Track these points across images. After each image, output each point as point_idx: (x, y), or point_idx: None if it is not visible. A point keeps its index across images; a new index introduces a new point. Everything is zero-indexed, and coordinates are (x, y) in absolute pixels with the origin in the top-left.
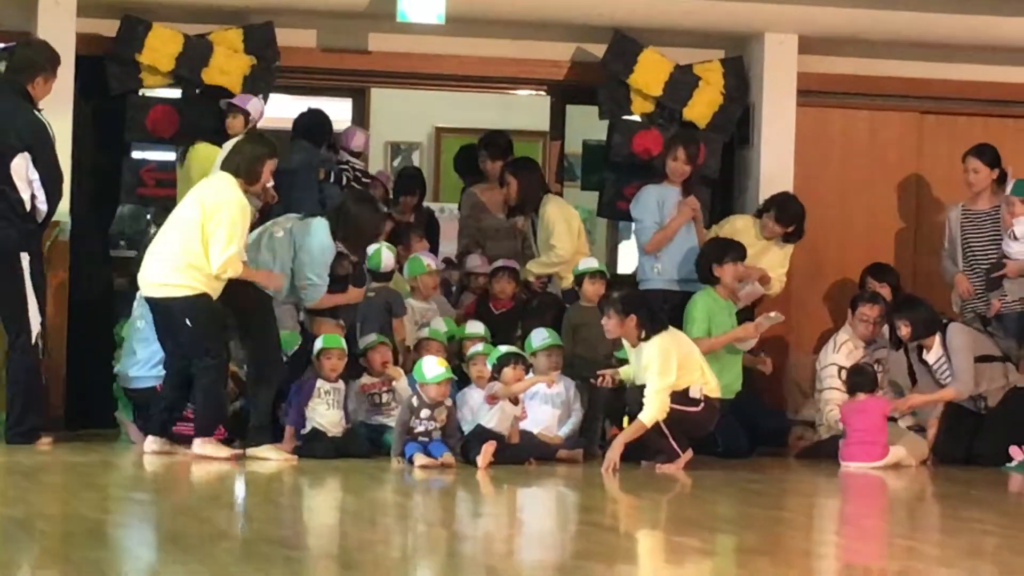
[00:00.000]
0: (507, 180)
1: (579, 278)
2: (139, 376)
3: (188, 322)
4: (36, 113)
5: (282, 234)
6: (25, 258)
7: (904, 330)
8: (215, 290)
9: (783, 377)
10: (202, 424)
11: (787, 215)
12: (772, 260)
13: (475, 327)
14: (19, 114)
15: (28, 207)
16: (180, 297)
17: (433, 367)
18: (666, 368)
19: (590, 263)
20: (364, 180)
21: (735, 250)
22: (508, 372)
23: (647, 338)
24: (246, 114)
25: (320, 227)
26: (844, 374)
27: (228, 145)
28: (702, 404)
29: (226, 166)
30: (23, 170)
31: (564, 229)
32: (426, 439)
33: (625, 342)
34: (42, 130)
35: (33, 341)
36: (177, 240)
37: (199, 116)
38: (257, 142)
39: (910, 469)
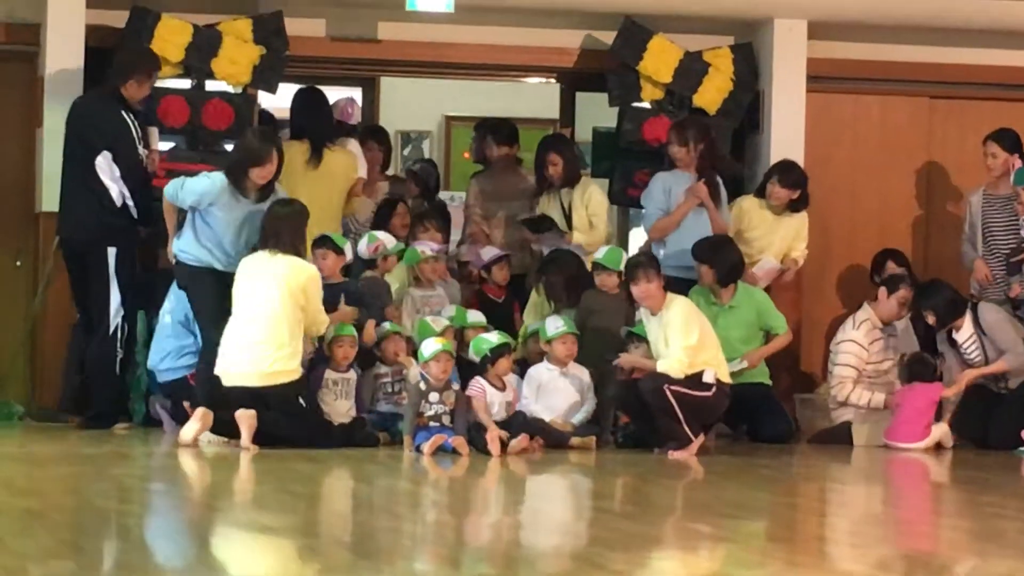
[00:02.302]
0: (551, 160)
1: (595, 266)
2: (170, 368)
3: (302, 400)
4: (122, 113)
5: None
6: (111, 252)
7: (931, 319)
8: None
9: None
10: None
11: (790, 178)
12: (787, 232)
13: (475, 316)
14: (104, 114)
15: (119, 203)
16: (294, 380)
17: (430, 344)
18: (688, 328)
19: (608, 256)
20: None
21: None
22: (503, 363)
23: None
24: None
25: None
26: (904, 359)
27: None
28: (714, 389)
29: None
30: (107, 167)
31: (606, 214)
32: (436, 423)
33: (643, 314)
34: (123, 130)
35: (111, 332)
36: (283, 321)
37: (315, 119)
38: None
39: (933, 451)
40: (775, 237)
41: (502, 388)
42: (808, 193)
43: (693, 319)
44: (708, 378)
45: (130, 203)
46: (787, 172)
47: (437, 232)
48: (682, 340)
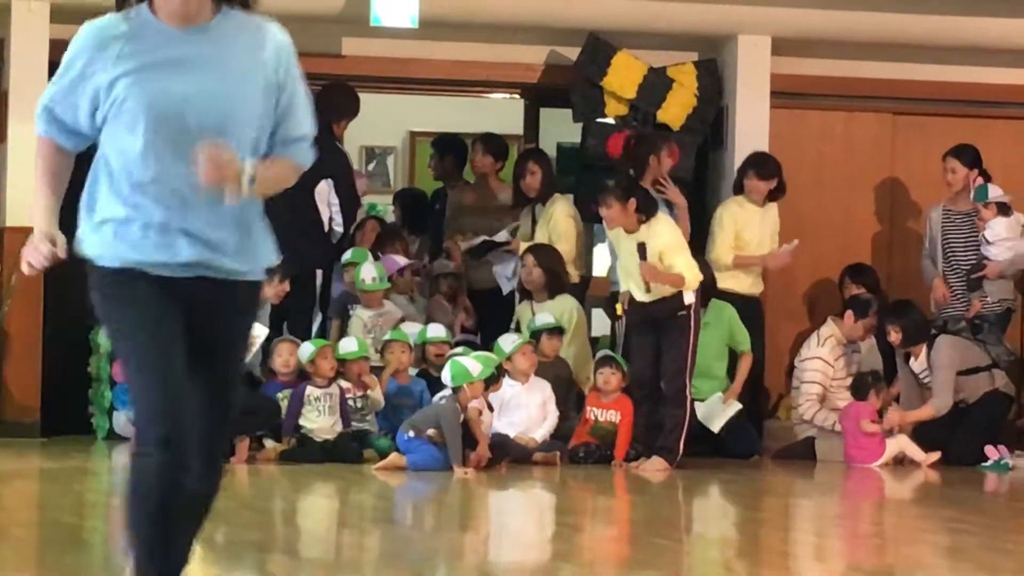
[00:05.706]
0: (531, 169)
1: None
2: None
3: None
4: (338, 145)
5: None
6: (319, 274)
7: (894, 335)
8: None
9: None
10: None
11: (767, 169)
12: (772, 225)
13: (436, 330)
14: (325, 145)
15: (326, 228)
16: None
17: (475, 364)
18: (681, 243)
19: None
20: None
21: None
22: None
23: (647, 221)
24: None
25: None
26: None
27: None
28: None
29: None
30: (325, 194)
31: (570, 232)
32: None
33: (612, 233)
34: (345, 161)
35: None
36: None
37: None
38: None
39: (898, 465)
40: (765, 232)
41: (490, 409)
42: (784, 181)
43: (679, 236)
44: (688, 299)
45: (339, 229)
46: (762, 164)
47: (403, 249)
48: (681, 258)
